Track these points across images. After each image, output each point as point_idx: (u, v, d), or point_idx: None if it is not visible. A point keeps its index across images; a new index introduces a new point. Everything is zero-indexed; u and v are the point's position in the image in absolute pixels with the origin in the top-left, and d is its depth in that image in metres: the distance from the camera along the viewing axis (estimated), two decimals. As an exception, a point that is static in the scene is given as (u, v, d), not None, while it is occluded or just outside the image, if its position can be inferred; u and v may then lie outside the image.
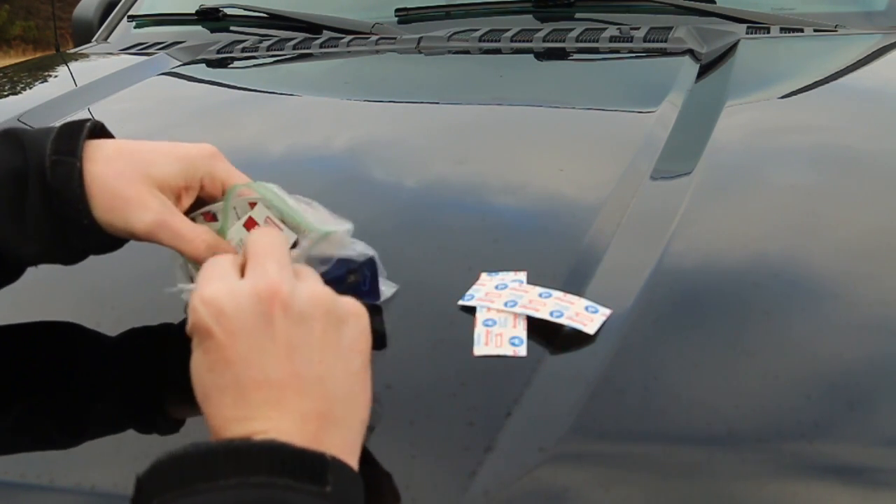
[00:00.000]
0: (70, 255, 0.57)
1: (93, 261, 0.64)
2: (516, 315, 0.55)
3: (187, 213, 0.57)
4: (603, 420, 0.47)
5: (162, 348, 0.61)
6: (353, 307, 0.46)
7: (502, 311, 0.55)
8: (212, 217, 0.59)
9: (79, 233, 0.54)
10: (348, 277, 0.58)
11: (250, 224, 0.58)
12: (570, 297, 0.56)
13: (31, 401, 0.55)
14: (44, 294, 0.64)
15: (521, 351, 0.52)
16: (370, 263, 0.58)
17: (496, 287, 0.58)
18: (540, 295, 0.56)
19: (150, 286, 0.67)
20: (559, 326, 0.53)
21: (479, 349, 0.53)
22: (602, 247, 0.63)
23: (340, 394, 0.42)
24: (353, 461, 0.41)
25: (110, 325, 0.64)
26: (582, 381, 0.49)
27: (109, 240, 0.56)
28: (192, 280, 0.57)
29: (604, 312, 0.54)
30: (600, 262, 0.61)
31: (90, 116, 0.59)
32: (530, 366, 0.51)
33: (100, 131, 0.57)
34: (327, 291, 0.45)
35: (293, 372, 0.41)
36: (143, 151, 0.56)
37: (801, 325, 0.54)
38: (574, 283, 0.58)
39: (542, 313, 0.54)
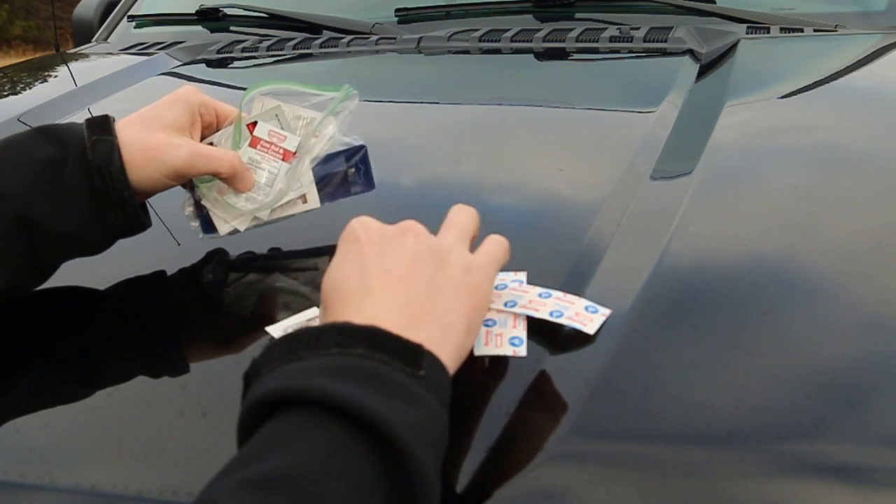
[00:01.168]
0: (103, 234, 0.63)
1: (92, 261, 0.64)
2: (516, 315, 0.55)
3: None
4: (603, 420, 0.47)
5: (162, 348, 0.61)
6: (484, 263, 0.51)
7: (502, 311, 0.55)
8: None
9: (116, 208, 0.61)
10: (348, 171, 0.68)
11: (255, 142, 0.67)
12: (570, 297, 0.56)
13: (31, 400, 0.55)
14: (43, 293, 0.64)
15: (521, 351, 0.52)
16: (363, 154, 0.69)
17: (496, 287, 0.58)
18: (540, 295, 0.56)
19: (149, 286, 0.67)
20: (559, 326, 0.53)
21: (479, 349, 0.53)
22: (602, 247, 0.63)
23: (445, 306, 0.46)
24: (447, 362, 0.44)
25: (110, 324, 0.64)
26: (582, 381, 0.49)
27: (139, 218, 0.63)
28: (198, 202, 0.67)
29: (604, 312, 0.54)
30: (600, 262, 0.61)
31: (91, 116, 0.62)
32: (530, 366, 0.51)
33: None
34: (464, 251, 0.51)
35: (411, 274, 0.47)
36: (146, 112, 0.64)
37: (801, 325, 0.54)
38: (574, 283, 0.58)
39: (542, 313, 0.54)
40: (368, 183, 0.70)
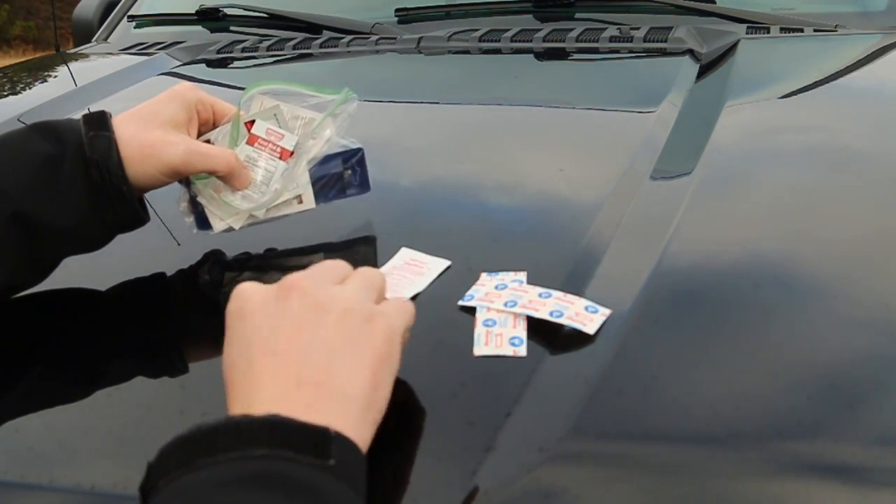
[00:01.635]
0: (101, 230, 0.62)
1: (91, 259, 0.64)
2: (516, 315, 0.55)
3: None
4: (603, 420, 0.47)
5: (162, 348, 0.61)
6: (390, 311, 0.47)
7: (502, 311, 0.55)
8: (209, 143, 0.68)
9: (114, 203, 0.61)
10: (344, 173, 0.68)
11: (252, 140, 0.67)
12: (570, 297, 0.56)
13: (31, 400, 0.55)
14: (42, 292, 0.64)
15: (521, 351, 0.52)
16: (360, 157, 0.68)
17: (496, 287, 0.58)
18: (540, 295, 0.56)
19: (149, 285, 0.67)
20: (559, 326, 0.53)
21: (479, 349, 0.53)
22: (602, 247, 0.63)
23: (345, 373, 0.43)
24: (356, 438, 0.41)
25: (110, 324, 0.64)
26: (582, 381, 0.49)
27: (138, 213, 0.63)
28: (194, 198, 0.67)
29: (604, 312, 0.54)
30: (600, 262, 0.61)
31: (88, 112, 0.62)
32: (530, 366, 0.51)
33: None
34: (365, 299, 0.47)
35: (298, 346, 0.43)
36: (143, 108, 0.64)
37: (801, 325, 0.54)
38: (574, 283, 0.58)
39: (542, 313, 0.54)
40: (364, 185, 0.70)
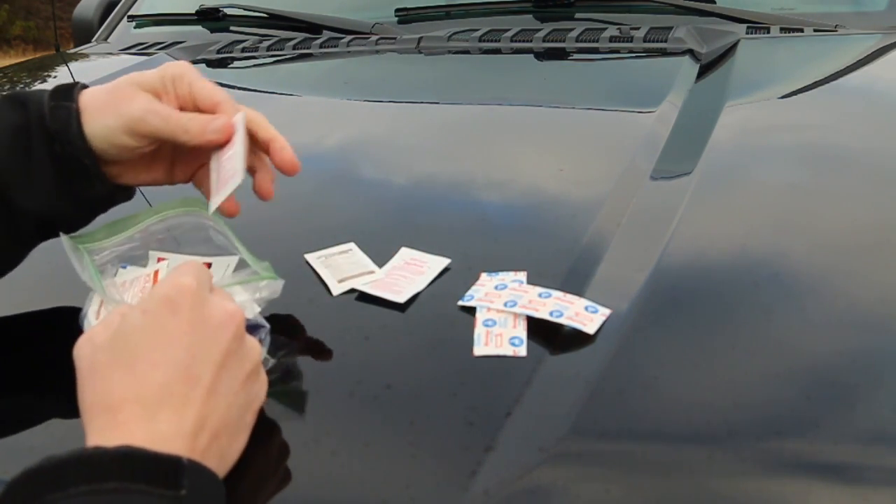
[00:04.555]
0: (77, 207, 0.60)
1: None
2: (516, 315, 0.55)
3: None
4: (603, 420, 0.47)
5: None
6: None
7: (502, 311, 0.55)
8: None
9: (82, 177, 0.58)
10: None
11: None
12: (569, 297, 0.56)
13: (31, 400, 0.55)
14: (42, 291, 0.64)
15: (521, 351, 0.52)
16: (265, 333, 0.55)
17: (496, 287, 0.58)
18: (540, 295, 0.56)
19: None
20: (559, 326, 0.53)
21: (479, 349, 0.53)
22: (602, 247, 0.63)
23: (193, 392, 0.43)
24: (213, 462, 0.41)
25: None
26: (582, 381, 0.49)
27: (108, 187, 0.60)
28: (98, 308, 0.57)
29: (604, 312, 0.54)
30: (600, 262, 0.61)
31: (58, 84, 0.61)
32: (530, 366, 0.51)
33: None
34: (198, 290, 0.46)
35: (150, 366, 0.43)
36: (125, 77, 0.60)
37: (801, 324, 0.54)
38: (574, 283, 0.58)
39: (542, 313, 0.54)
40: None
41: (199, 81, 0.61)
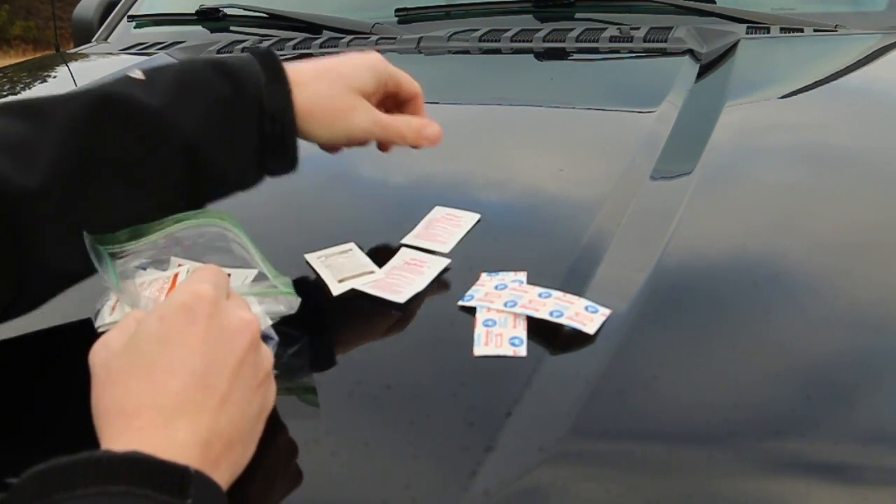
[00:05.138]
0: (257, 175, 0.64)
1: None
2: (516, 315, 0.55)
3: None
4: (603, 420, 0.47)
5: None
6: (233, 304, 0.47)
7: (502, 311, 0.55)
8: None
9: (279, 155, 0.62)
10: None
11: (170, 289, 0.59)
12: (569, 297, 0.56)
13: (31, 401, 0.55)
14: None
15: (521, 351, 0.52)
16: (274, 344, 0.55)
17: (496, 287, 0.58)
18: (540, 295, 0.56)
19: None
20: (559, 326, 0.53)
21: (479, 349, 0.53)
22: (602, 247, 0.63)
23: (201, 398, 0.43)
24: (217, 475, 0.41)
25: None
26: (582, 381, 0.49)
27: (294, 166, 0.64)
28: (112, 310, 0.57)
29: (604, 312, 0.54)
30: (600, 262, 0.61)
31: (258, 50, 0.65)
32: (530, 366, 0.51)
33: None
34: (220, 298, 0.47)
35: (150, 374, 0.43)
36: (339, 66, 0.65)
37: (801, 324, 0.54)
38: (574, 283, 0.58)
39: (542, 313, 0.54)
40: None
41: (401, 75, 0.68)
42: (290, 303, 0.56)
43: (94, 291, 0.58)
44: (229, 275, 0.60)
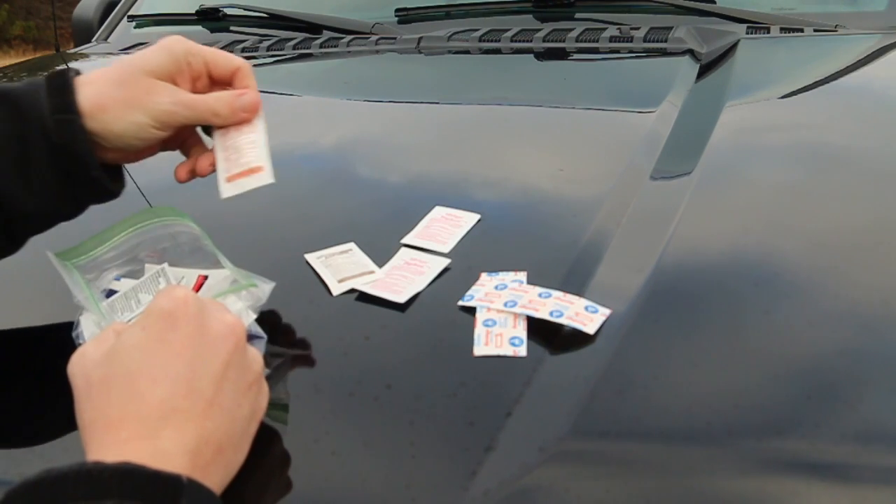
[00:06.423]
0: (73, 206, 0.60)
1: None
2: (516, 315, 0.55)
3: None
4: (603, 420, 0.47)
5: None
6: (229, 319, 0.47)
7: (502, 311, 0.55)
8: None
9: (85, 184, 0.57)
10: None
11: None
12: (569, 297, 0.56)
13: (31, 401, 0.55)
14: (42, 290, 0.64)
15: (521, 351, 0.52)
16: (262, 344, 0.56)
17: (496, 287, 0.58)
18: (540, 295, 0.56)
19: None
20: (559, 326, 0.53)
21: (479, 349, 0.53)
22: (602, 247, 0.63)
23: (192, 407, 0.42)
24: (208, 479, 0.41)
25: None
26: (582, 381, 0.49)
27: (109, 190, 0.59)
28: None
29: (604, 312, 0.54)
30: (600, 262, 0.61)
31: (51, 75, 0.60)
32: (530, 366, 0.51)
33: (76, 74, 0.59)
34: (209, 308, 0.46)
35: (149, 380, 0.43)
36: (131, 56, 0.59)
37: (801, 324, 0.54)
38: (574, 283, 0.58)
39: (542, 313, 0.54)
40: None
41: (211, 53, 0.61)
42: (265, 290, 0.56)
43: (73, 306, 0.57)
44: (207, 276, 0.60)
